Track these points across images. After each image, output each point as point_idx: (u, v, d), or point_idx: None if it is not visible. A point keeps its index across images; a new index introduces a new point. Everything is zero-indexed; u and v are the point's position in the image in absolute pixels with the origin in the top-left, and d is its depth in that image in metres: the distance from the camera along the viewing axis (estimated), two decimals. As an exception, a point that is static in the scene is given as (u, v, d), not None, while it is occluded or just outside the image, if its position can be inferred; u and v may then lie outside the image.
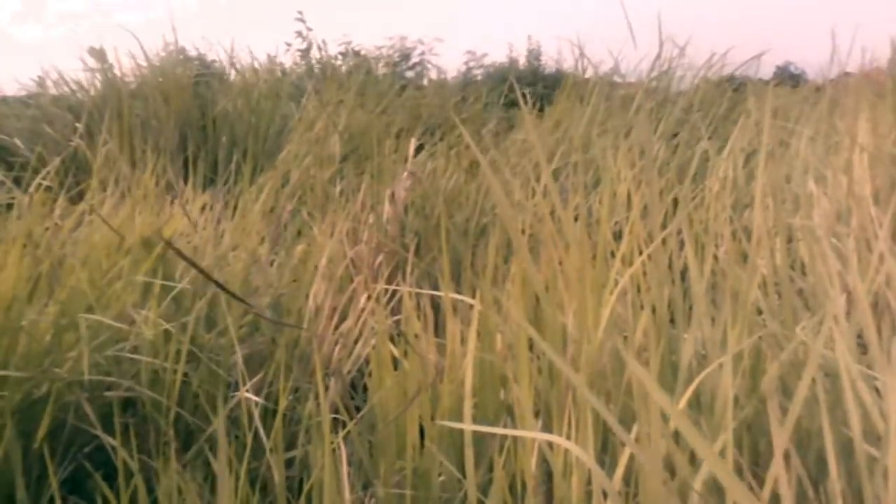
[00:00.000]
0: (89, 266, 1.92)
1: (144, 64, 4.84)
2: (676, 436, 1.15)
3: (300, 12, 7.04)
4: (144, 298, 1.88)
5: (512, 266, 1.64)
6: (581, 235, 1.40)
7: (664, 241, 1.43)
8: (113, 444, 1.45)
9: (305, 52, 6.96)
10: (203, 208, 2.67)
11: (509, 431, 1.30)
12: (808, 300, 1.67)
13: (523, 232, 1.92)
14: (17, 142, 4.28)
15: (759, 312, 1.49)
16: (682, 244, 1.59)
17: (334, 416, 1.60)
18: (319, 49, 6.95)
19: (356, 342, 2.02)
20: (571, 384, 1.23)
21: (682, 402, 1.18)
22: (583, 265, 1.37)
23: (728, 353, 1.19)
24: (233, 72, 5.63)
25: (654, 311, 1.37)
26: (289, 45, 6.96)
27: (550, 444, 1.20)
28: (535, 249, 1.76)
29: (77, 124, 4.37)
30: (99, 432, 1.53)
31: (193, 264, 1.62)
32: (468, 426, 1.28)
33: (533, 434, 1.22)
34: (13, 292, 1.70)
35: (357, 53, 6.96)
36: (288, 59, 6.78)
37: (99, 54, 4.81)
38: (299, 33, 7.00)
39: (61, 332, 1.72)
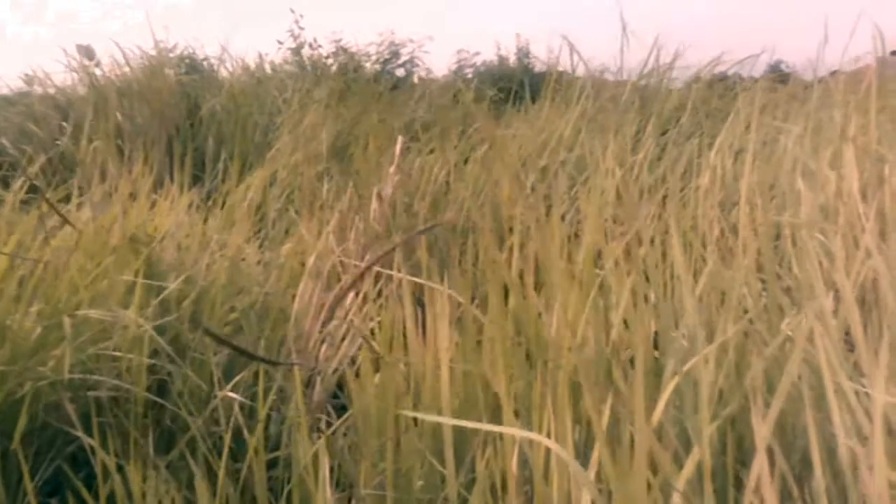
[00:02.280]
0: (74, 265, 1.90)
1: (133, 63, 4.82)
2: (659, 432, 1.14)
3: (293, 10, 7.02)
4: (129, 297, 1.86)
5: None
6: (567, 234, 1.39)
7: (652, 240, 1.42)
8: (92, 444, 1.43)
9: (297, 51, 6.93)
10: (189, 206, 2.65)
11: (487, 426, 1.28)
12: (794, 297, 1.67)
13: (510, 230, 1.91)
14: (4, 141, 4.25)
15: (745, 311, 1.49)
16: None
17: (318, 415, 1.59)
18: (311, 47, 6.93)
19: (342, 340, 2.01)
20: (552, 381, 1.22)
21: (666, 396, 1.16)
22: (568, 263, 1.36)
23: (712, 347, 1.18)
24: (222, 70, 5.61)
25: (634, 305, 1.36)
26: (280, 42, 6.94)
27: (531, 443, 1.19)
28: (524, 246, 1.75)
29: (64, 123, 4.34)
30: (79, 433, 1.51)
31: (226, 342, 1.65)
32: (447, 420, 1.26)
33: (512, 430, 1.20)
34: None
35: (346, 51, 6.94)
36: (279, 58, 6.76)
37: (87, 52, 4.78)
38: (291, 32, 6.98)
39: (46, 332, 1.70)
